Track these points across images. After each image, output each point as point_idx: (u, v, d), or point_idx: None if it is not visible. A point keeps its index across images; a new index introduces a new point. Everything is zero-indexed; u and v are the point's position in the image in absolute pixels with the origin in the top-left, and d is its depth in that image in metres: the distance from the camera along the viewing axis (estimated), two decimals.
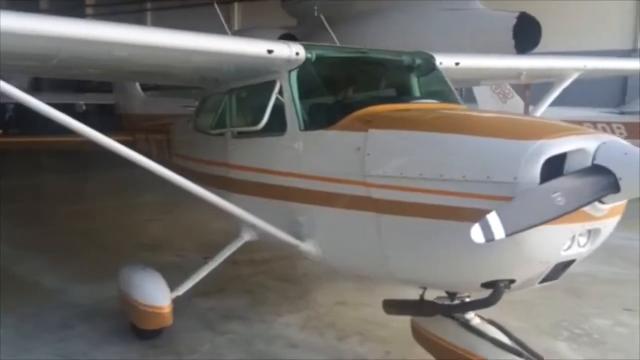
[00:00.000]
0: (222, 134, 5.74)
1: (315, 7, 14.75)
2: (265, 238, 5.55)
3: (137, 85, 9.78)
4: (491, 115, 4.81)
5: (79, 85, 25.08)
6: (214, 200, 4.62)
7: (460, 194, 3.49)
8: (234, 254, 7.34)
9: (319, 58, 4.75)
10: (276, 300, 6.09)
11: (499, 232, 2.89)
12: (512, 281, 3.64)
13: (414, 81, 5.12)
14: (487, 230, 2.90)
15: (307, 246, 4.68)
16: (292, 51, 4.62)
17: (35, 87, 19.22)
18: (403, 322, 5.34)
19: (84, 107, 16.41)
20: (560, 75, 6.69)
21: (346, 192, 4.24)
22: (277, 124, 4.85)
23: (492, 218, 2.90)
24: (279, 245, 5.65)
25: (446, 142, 3.64)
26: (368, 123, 4.11)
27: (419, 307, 4.20)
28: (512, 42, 10.22)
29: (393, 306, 4.40)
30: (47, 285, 6.40)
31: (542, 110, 6.55)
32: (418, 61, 5.23)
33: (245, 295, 6.20)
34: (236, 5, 28.88)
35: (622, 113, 14.85)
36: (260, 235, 5.52)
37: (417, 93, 4.93)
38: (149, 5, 28.53)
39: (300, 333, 5.30)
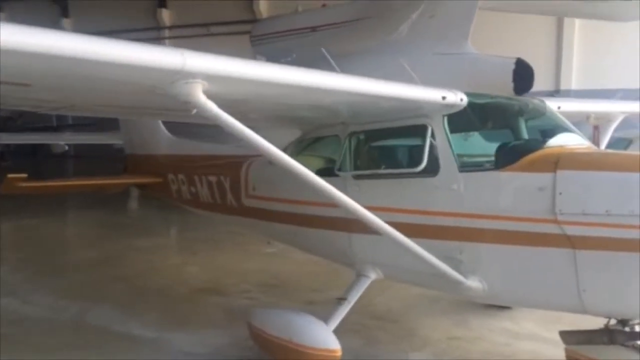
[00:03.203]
0: (333, 176, 5.78)
1: (293, 54, 15.04)
2: (395, 276, 5.71)
3: (161, 124, 9.51)
4: None
5: (5, 124, 23.75)
6: (401, 239, 4.65)
7: None
8: (305, 294, 7.48)
9: (470, 104, 5.03)
10: (389, 338, 6.17)
11: None
12: None
13: (546, 123, 5.47)
14: None
15: (471, 282, 4.86)
16: (457, 97, 4.88)
17: None
18: (530, 353, 5.71)
19: (66, 148, 15.54)
20: (609, 117, 7.39)
21: (528, 230, 4.48)
22: (425, 166, 5.04)
23: None
24: (417, 283, 5.82)
25: None
26: (554, 165, 4.41)
27: (608, 336, 4.49)
28: (512, 85, 10.96)
29: (574, 337, 4.69)
30: (144, 336, 6.11)
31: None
32: (535, 104, 5.64)
33: (354, 335, 6.18)
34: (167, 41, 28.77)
35: None
36: (388, 273, 5.65)
37: (556, 134, 5.26)
38: None
39: None
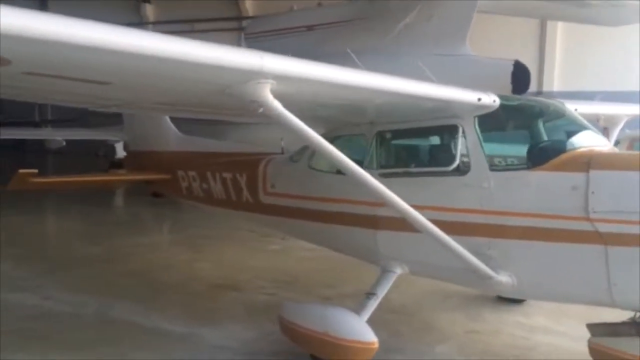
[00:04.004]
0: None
1: (289, 54, 15.09)
2: (422, 271, 5.87)
3: (169, 120, 9.54)
4: None
5: None
6: (440, 236, 4.80)
7: None
8: (319, 290, 7.62)
9: (502, 105, 5.22)
10: (410, 332, 6.35)
11: None
12: None
13: (568, 124, 5.66)
14: None
15: (501, 277, 5.04)
16: (491, 99, 5.07)
17: None
18: (549, 345, 5.97)
19: (63, 143, 15.48)
20: (615, 120, 7.69)
21: (560, 227, 4.68)
22: (456, 165, 5.23)
23: None
24: (443, 279, 5.97)
25: None
26: (586, 165, 4.63)
27: (635, 329, 4.73)
28: (510, 86, 11.23)
29: (601, 329, 4.92)
30: (174, 331, 6.15)
31: None
32: (556, 106, 5.85)
33: (378, 328, 6.22)
34: None
35: None
36: (414, 269, 5.81)
37: (581, 135, 5.47)
38: None
39: None
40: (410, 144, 6.04)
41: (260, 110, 3.66)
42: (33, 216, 14.19)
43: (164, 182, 9.13)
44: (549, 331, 6.43)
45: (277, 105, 3.67)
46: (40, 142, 29.43)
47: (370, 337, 5.04)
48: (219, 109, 4.62)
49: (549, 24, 22.38)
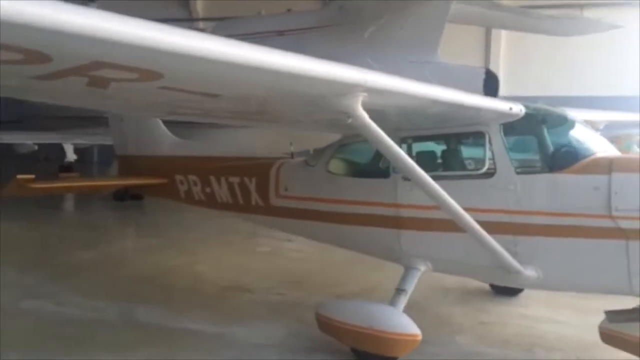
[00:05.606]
0: (383, 178, 6.29)
1: None
2: (446, 268, 6.27)
3: (162, 125, 9.53)
4: None
5: None
6: (481, 234, 5.21)
7: None
8: (328, 289, 7.94)
9: (525, 113, 5.70)
10: (427, 325, 6.55)
11: None
12: None
13: (579, 131, 6.17)
14: None
15: (528, 272, 5.51)
16: (518, 108, 5.55)
17: None
18: (555, 333, 6.56)
19: (36, 148, 14.98)
20: (596, 126, 8.39)
21: (583, 224, 5.22)
22: (482, 169, 5.70)
23: None
24: (466, 274, 6.40)
25: None
26: (607, 168, 5.17)
27: None
28: (482, 92, 11.84)
29: (618, 315, 5.47)
30: (206, 331, 6.32)
31: None
32: (558, 113, 6.37)
33: None
34: None
35: None
36: (438, 266, 6.20)
37: (591, 140, 6.00)
38: None
39: (491, 349, 6.09)
40: (435, 149, 6.43)
41: (349, 120, 3.96)
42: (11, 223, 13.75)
43: (161, 187, 9.18)
44: (551, 321, 6.95)
45: (365, 116, 3.99)
46: None
47: (414, 329, 5.41)
48: (301, 118, 4.85)
49: (494, 32, 23.45)
